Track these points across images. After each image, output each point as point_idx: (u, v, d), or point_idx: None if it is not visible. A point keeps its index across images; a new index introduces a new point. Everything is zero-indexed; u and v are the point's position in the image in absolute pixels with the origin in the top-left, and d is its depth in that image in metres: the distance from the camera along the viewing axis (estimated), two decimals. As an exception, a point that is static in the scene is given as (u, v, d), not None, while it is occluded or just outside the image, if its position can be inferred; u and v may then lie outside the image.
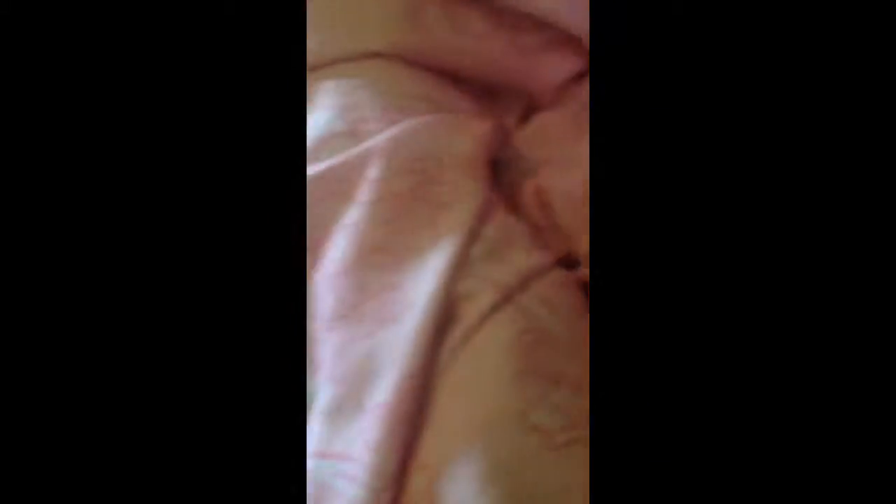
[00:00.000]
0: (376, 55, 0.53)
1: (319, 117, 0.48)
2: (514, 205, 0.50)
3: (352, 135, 0.46)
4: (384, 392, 0.36)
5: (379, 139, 0.45)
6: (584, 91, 0.63)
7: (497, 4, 0.55)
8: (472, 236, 0.42)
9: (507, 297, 0.40)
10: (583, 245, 0.50)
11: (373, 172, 0.43)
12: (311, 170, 0.43)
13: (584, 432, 0.37)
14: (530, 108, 0.63)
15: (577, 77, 0.63)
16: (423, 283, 0.39)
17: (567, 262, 0.50)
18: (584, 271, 0.48)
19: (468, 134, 0.47)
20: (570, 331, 0.41)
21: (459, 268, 0.40)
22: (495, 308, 0.39)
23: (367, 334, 0.39)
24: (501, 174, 0.54)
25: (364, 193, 0.43)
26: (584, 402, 0.38)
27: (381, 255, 0.41)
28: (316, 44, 0.48)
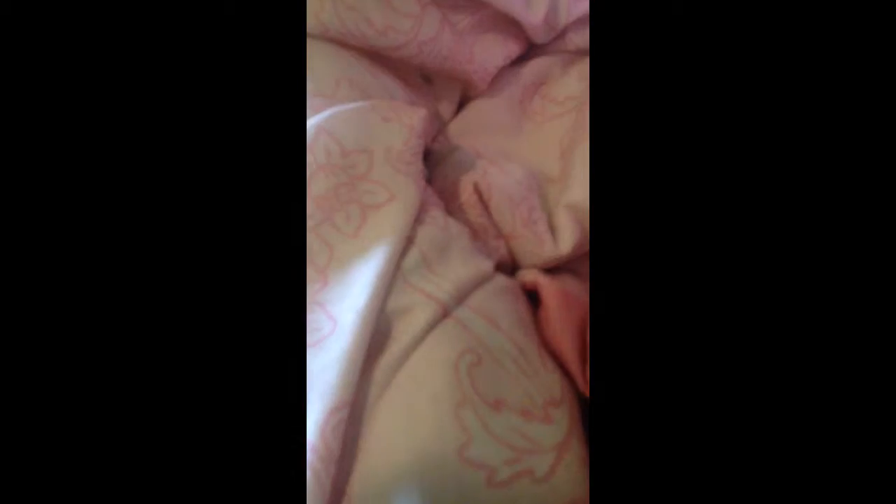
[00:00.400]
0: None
1: None
2: (449, 203, 0.46)
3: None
4: (308, 429, 0.31)
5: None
6: (521, 77, 0.60)
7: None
8: (405, 243, 0.37)
9: (444, 313, 0.36)
10: (522, 246, 0.47)
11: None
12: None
13: (530, 464, 0.33)
14: (465, 95, 0.59)
15: (514, 62, 0.60)
16: (350, 299, 0.34)
17: (506, 266, 0.47)
18: (524, 275, 0.45)
19: (401, 123, 0.42)
20: (514, 346, 0.37)
21: (391, 280, 0.36)
22: (431, 325, 0.35)
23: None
24: (435, 168, 0.50)
25: None
26: (530, 427, 0.34)
27: (308, 265, 0.36)
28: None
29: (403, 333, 0.34)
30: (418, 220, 0.39)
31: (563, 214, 0.47)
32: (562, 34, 0.60)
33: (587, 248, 0.46)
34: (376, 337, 0.34)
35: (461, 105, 0.59)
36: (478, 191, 0.46)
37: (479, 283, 0.38)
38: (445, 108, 0.57)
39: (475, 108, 0.57)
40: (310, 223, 0.37)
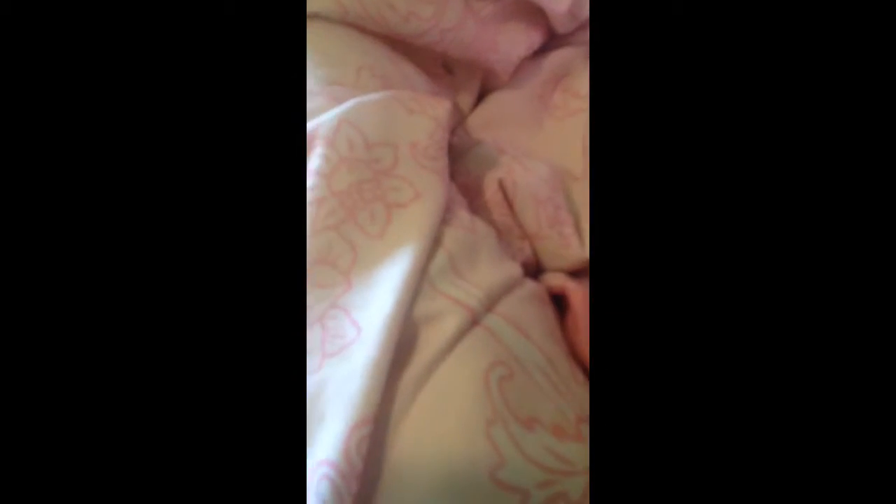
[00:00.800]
0: (319, 16, 0.45)
1: None
2: (472, 201, 0.43)
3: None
4: (329, 445, 0.29)
5: (322, 120, 0.37)
6: (541, 70, 0.57)
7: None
8: (433, 244, 0.35)
9: (473, 320, 0.34)
10: (547, 247, 0.45)
11: (315, 162, 0.36)
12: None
13: (564, 487, 0.31)
14: (484, 87, 0.57)
15: (535, 54, 0.58)
16: (376, 305, 0.32)
17: (531, 267, 0.45)
18: (551, 279, 0.42)
19: (426, 115, 0.40)
20: (545, 358, 0.35)
21: (418, 285, 0.33)
22: (460, 334, 0.33)
23: (308, 369, 0.31)
24: (455, 163, 0.47)
25: (306, 190, 0.35)
26: (563, 447, 0.32)
27: (326, 268, 0.34)
28: None
29: (431, 342, 0.32)
30: (444, 220, 0.37)
31: (590, 215, 0.45)
32: (584, 25, 0.58)
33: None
34: (402, 345, 0.32)
35: (480, 97, 0.56)
36: (503, 188, 0.44)
37: (509, 288, 0.36)
38: (465, 100, 0.55)
39: (495, 101, 0.55)
40: (331, 221, 0.35)
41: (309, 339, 0.32)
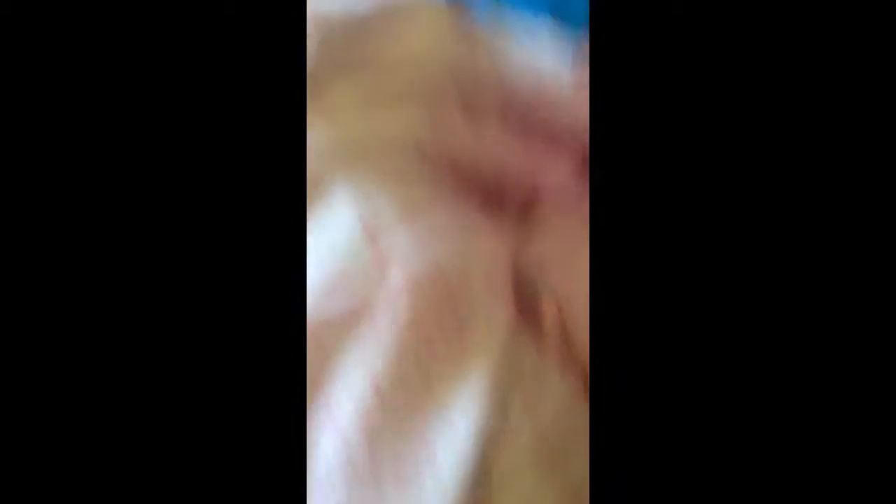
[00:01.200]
0: (393, 142, 0.46)
1: (336, 220, 0.40)
2: (535, 330, 0.43)
3: (370, 239, 0.38)
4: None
5: (397, 240, 0.38)
6: (583, 196, 0.59)
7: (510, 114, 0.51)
8: (507, 375, 0.35)
9: (541, 445, 0.33)
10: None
11: (391, 283, 0.36)
12: (320, 283, 0.36)
13: None
14: (529, 210, 0.58)
15: (574, 175, 0.59)
16: (450, 433, 0.32)
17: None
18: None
19: (495, 242, 0.41)
20: None
21: (493, 417, 0.33)
22: (530, 458, 0.33)
23: (377, 488, 0.31)
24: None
25: (380, 316, 0.35)
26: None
27: (399, 393, 0.33)
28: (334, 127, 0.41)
29: (501, 466, 0.32)
30: (516, 350, 0.37)
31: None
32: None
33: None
34: (473, 486, 0.31)
35: (524, 217, 0.57)
36: (561, 316, 0.44)
37: (578, 427, 0.36)
38: (512, 220, 0.56)
39: (542, 226, 0.56)
40: (406, 345, 0.35)
41: (380, 460, 0.32)
